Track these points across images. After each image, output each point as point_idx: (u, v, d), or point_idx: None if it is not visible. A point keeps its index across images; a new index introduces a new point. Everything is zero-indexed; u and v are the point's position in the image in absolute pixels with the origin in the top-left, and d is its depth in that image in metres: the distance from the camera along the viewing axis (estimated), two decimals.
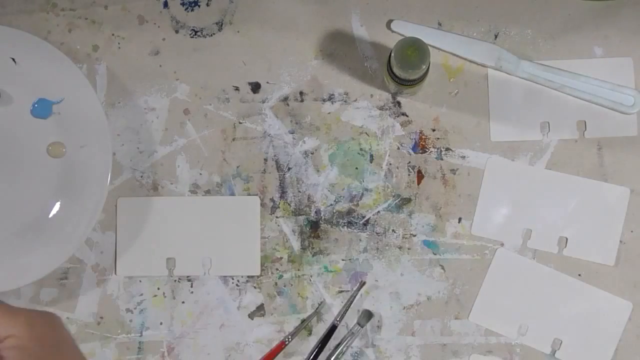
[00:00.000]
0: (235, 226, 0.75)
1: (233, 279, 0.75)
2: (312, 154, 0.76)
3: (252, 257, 0.75)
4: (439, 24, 0.76)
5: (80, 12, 0.77)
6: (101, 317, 0.75)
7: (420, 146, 0.76)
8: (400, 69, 0.68)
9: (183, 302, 0.76)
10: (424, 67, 0.68)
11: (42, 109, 0.74)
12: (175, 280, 0.76)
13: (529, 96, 0.75)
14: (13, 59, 0.74)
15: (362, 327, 0.74)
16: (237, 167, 0.76)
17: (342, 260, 0.75)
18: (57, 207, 0.74)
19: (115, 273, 0.76)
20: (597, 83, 0.74)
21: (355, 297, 0.74)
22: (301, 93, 0.76)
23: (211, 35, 0.77)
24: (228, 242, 0.75)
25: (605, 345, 0.73)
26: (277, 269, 0.75)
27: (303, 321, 0.75)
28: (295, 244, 0.76)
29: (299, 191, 0.76)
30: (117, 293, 0.76)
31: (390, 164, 0.76)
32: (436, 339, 0.75)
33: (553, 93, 0.75)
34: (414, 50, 0.68)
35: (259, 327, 0.75)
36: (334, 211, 0.76)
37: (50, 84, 0.74)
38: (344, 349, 0.73)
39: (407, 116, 0.76)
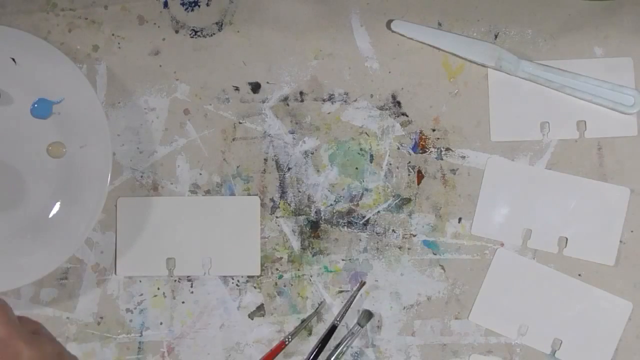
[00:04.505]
0: (235, 226, 0.75)
1: (233, 279, 0.76)
2: (312, 154, 0.76)
3: (252, 257, 0.75)
4: (439, 24, 0.76)
5: (80, 12, 0.77)
6: (101, 317, 0.75)
7: (420, 146, 0.76)
8: None
9: (183, 302, 0.76)
10: None
11: (42, 109, 0.74)
12: (175, 280, 0.76)
13: (529, 96, 0.75)
14: (13, 59, 0.74)
15: (362, 327, 0.74)
16: (237, 167, 0.76)
17: (342, 260, 0.75)
18: (57, 207, 0.74)
19: (115, 273, 0.76)
20: (597, 83, 0.74)
21: (355, 297, 0.74)
22: (301, 93, 0.76)
23: (211, 35, 0.77)
24: (228, 242, 0.75)
25: (605, 345, 0.73)
26: (277, 269, 0.75)
27: (303, 321, 0.75)
28: (295, 244, 0.76)
29: (299, 191, 0.76)
30: (117, 293, 0.76)
31: (390, 164, 0.76)
32: (436, 339, 0.75)
33: (553, 93, 0.75)
34: None
35: (259, 327, 0.75)
36: (334, 211, 0.76)
37: (50, 84, 0.74)
38: (344, 349, 0.73)
39: (407, 116, 0.76)
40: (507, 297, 0.74)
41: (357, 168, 0.76)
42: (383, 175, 0.76)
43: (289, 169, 0.76)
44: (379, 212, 0.75)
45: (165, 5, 0.77)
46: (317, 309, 0.75)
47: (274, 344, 0.75)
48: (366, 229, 0.75)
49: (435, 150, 0.76)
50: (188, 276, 0.76)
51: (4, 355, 0.52)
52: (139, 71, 0.77)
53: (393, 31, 0.76)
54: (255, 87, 0.77)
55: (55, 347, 0.55)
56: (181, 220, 0.76)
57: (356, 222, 0.76)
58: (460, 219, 0.75)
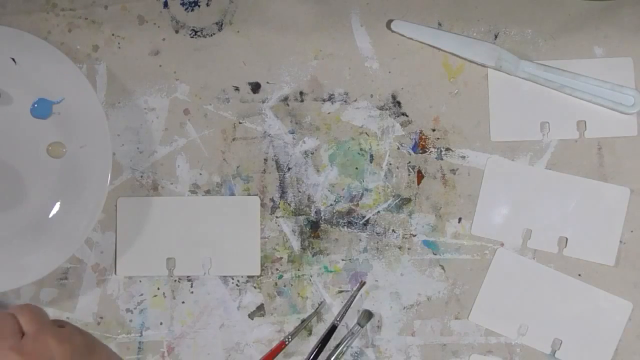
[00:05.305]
0: (235, 226, 0.75)
1: (233, 279, 0.76)
2: (312, 154, 0.76)
3: (252, 257, 0.75)
4: (439, 24, 0.76)
5: (80, 12, 0.77)
6: (101, 317, 0.75)
7: (420, 146, 0.76)
8: None
9: (183, 302, 0.76)
10: None
11: (42, 109, 0.74)
12: (175, 280, 0.76)
13: (529, 96, 0.75)
14: (13, 59, 0.74)
15: (362, 327, 0.74)
16: (237, 167, 0.76)
17: (342, 260, 0.75)
18: (57, 207, 0.74)
19: (115, 273, 0.76)
20: (597, 83, 0.74)
21: (355, 297, 0.74)
22: (301, 93, 0.76)
23: (211, 35, 0.77)
24: (228, 242, 0.75)
25: (605, 345, 0.73)
26: (277, 269, 0.75)
27: (303, 321, 0.75)
28: (295, 244, 0.76)
29: (299, 191, 0.76)
30: (117, 293, 0.76)
31: (390, 164, 0.76)
32: (436, 339, 0.75)
33: (553, 93, 0.75)
34: None
35: (259, 327, 0.75)
36: (334, 211, 0.76)
37: (50, 84, 0.74)
38: (344, 349, 0.73)
39: (407, 116, 0.76)
40: (507, 297, 0.74)
41: (357, 168, 0.76)
42: (383, 175, 0.76)
43: (289, 169, 0.76)
44: (379, 212, 0.75)
45: (165, 5, 0.77)
46: (317, 309, 0.75)
47: (274, 344, 0.75)
48: (366, 229, 0.75)
49: (435, 150, 0.76)
50: (188, 276, 0.76)
51: (33, 350, 0.52)
52: (139, 71, 0.77)
53: (393, 31, 0.76)
54: (255, 87, 0.77)
55: (84, 338, 0.55)
56: (181, 220, 0.76)
57: (356, 222, 0.76)
58: (460, 219, 0.75)
